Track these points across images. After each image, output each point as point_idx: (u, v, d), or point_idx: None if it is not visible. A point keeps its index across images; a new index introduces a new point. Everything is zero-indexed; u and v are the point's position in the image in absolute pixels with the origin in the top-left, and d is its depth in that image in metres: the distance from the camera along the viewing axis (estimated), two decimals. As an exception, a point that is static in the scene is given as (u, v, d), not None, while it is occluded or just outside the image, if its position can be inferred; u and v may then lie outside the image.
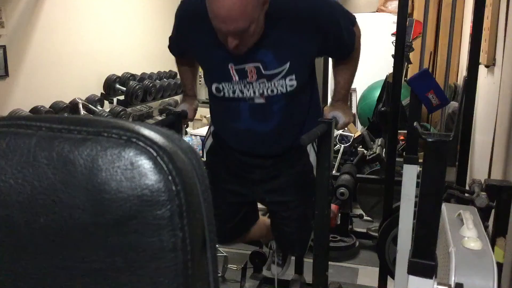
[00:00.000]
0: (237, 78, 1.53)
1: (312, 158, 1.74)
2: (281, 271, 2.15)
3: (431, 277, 1.06)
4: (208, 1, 1.34)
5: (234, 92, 1.56)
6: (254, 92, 1.54)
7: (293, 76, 1.52)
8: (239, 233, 1.93)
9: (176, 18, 1.67)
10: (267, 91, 1.53)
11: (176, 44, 1.78)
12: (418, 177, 1.46)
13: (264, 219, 2.01)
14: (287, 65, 1.50)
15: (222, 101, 1.62)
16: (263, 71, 1.50)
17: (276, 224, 1.86)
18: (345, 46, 1.63)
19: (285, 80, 1.52)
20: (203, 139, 1.99)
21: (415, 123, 1.62)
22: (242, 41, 1.39)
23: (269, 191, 1.76)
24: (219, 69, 1.55)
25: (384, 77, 3.90)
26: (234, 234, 1.91)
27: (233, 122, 1.64)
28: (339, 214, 3.00)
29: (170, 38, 1.79)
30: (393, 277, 2.07)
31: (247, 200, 1.82)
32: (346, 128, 3.56)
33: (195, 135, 4.69)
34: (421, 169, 1.15)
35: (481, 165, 2.88)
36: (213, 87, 1.59)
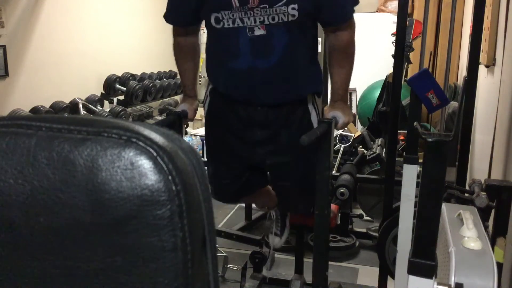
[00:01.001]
0: (237, 3, 1.49)
1: (313, 117, 1.72)
2: (279, 241, 2.15)
3: (431, 277, 1.06)
4: None
5: (234, 21, 1.52)
6: (255, 21, 1.50)
7: (296, 5, 1.48)
8: (241, 195, 1.93)
9: None
10: (268, 19, 1.50)
11: (175, 3, 1.71)
12: (418, 177, 1.47)
13: (269, 188, 1.99)
14: None
15: (221, 36, 1.58)
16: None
17: (279, 186, 1.85)
18: (340, 6, 1.61)
19: (287, 8, 1.48)
20: (203, 146, 1.99)
21: (415, 123, 1.62)
22: None
23: (269, 153, 1.73)
24: None
25: (384, 77, 3.90)
26: (236, 195, 1.90)
27: (232, 60, 1.60)
28: (339, 214, 3.00)
29: (168, 5, 1.73)
30: (393, 277, 2.08)
31: (248, 162, 1.79)
32: (346, 128, 3.57)
33: (195, 135, 4.69)
34: (421, 169, 1.15)
35: (481, 165, 2.88)
36: (212, 17, 1.55)
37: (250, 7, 1.49)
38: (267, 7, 1.48)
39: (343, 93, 1.74)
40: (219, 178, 1.85)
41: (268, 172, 1.91)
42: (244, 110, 1.70)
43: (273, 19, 1.50)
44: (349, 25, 1.67)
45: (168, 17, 1.77)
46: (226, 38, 1.57)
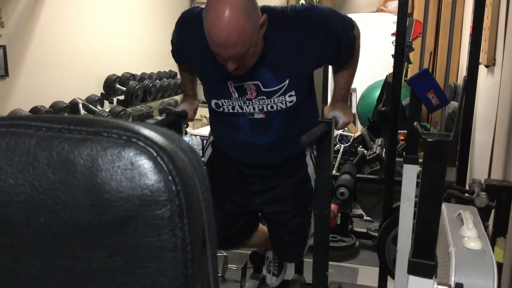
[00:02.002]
0: (236, 95, 1.55)
1: (310, 169, 1.77)
2: (276, 281, 2.19)
3: (431, 277, 1.06)
4: (206, 28, 1.34)
5: (233, 108, 1.58)
6: (254, 108, 1.56)
7: (293, 92, 1.53)
8: (238, 241, 1.96)
9: (176, 30, 1.68)
10: (266, 107, 1.55)
11: (177, 53, 1.79)
12: (418, 177, 1.46)
13: (264, 228, 2.03)
14: (287, 82, 1.51)
15: (222, 115, 1.64)
16: (262, 89, 1.52)
17: (274, 233, 1.89)
18: (345, 52, 1.62)
19: (284, 97, 1.53)
20: (203, 146, 2.01)
21: (415, 123, 1.62)
22: (241, 63, 1.40)
23: (267, 202, 1.79)
24: (218, 86, 1.56)
25: (384, 77, 3.90)
26: (233, 241, 1.94)
27: (233, 135, 1.66)
28: (339, 214, 3.00)
29: (172, 44, 1.79)
30: (393, 277, 2.08)
31: (245, 210, 1.85)
32: (346, 128, 3.57)
33: (195, 135, 4.69)
34: (421, 169, 1.15)
35: (481, 165, 2.88)
36: (213, 102, 1.61)
37: (248, 98, 1.54)
38: (265, 98, 1.53)
39: (345, 94, 1.75)
40: (216, 222, 1.86)
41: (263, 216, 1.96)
42: (244, 167, 1.76)
43: (272, 107, 1.55)
44: (355, 37, 1.64)
45: (172, 53, 1.83)
46: (226, 118, 1.64)
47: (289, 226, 1.80)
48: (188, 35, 1.59)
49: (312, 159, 1.78)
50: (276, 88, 1.51)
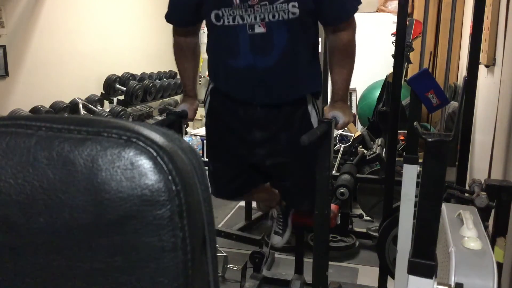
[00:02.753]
0: (238, 0, 1.49)
1: (313, 118, 1.72)
2: (280, 240, 2.15)
3: (431, 277, 1.06)
4: None
5: (234, 18, 1.52)
6: (255, 18, 1.50)
7: (296, 3, 1.48)
8: (240, 193, 1.93)
9: None
10: (268, 16, 1.50)
11: (176, 2, 1.71)
12: (418, 177, 1.46)
13: (266, 185, 2.00)
14: None
15: (221, 33, 1.58)
16: None
17: (280, 186, 1.86)
18: (340, 4, 1.60)
19: (288, 5, 1.48)
20: (203, 146, 2.00)
21: (415, 123, 1.62)
22: None
23: (269, 154, 1.73)
24: None
25: (384, 77, 3.90)
26: (237, 193, 1.91)
27: (232, 59, 1.60)
28: (339, 214, 3.00)
29: (169, 5, 1.73)
30: (393, 277, 2.08)
31: (248, 162, 1.80)
32: (346, 128, 3.57)
33: (195, 135, 4.69)
34: (421, 169, 1.15)
35: (481, 165, 2.88)
36: (213, 14, 1.55)
37: (250, 4, 1.49)
38: (268, 4, 1.48)
39: (344, 93, 1.74)
40: (219, 177, 1.86)
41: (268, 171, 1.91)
42: (244, 111, 1.71)
43: (274, 16, 1.50)
44: (350, 25, 1.66)
45: (169, 16, 1.77)
46: (226, 35, 1.57)
47: (293, 177, 1.76)
48: None
49: (315, 108, 1.73)
50: None
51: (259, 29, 1.52)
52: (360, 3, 1.64)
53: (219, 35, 1.61)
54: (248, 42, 1.55)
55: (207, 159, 1.92)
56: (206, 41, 1.77)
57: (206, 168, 1.82)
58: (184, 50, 1.84)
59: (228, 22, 1.53)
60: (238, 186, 1.86)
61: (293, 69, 1.62)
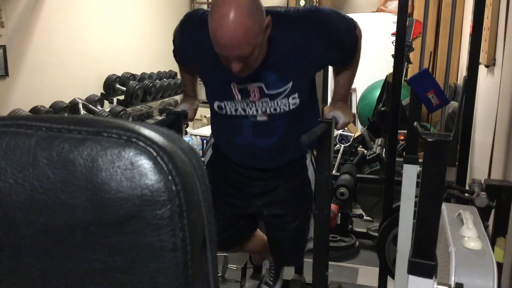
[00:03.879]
0: (239, 97, 1.54)
1: (310, 173, 1.77)
2: None
3: (431, 277, 1.06)
4: (211, 28, 1.32)
5: (236, 110, 1.57)
6: (257, 111, 1.55)
7: (296, 95, 1.53)
8: (235, 243, 1.94)
9: (179, 31, 1.67)
10: (270, 110, 1.54)
11: (178, 54, 1.78)
12: (418, 177, 1.46)
13: (262, 235, 2.02)
14: (290, 84, 1.51)
15: (224, 118, 1.63)
16: (266, 91, 1.52)
17: (272, 237, 1.88)
18: (347, 53, 1.62)
19: (288, 99, 1.53)
20: (203, 147, 2.01)
21: (415, 123, 1.62)
22: (245, 65, 1.39)
23: (267, 204, 1.78)
24: (221, 88, 1.56)
25: (384, 77, 3.90)
26: (230, 244, 1.92)
27: (234, 137, 1.65)
28: (339, 214, 3.00)
29: (174, 44, 1.78)
30: (393, 277, 2.07)
31: (244, 212, 1.84)
32: (346, 128, 3.56)
33: (195, 135, 4.69)
34: (421, 169, 1.15)
35: (481, 165, 2.88)
36: (215, 104, 1.60)
37: (251, 100, 1.53)
38: (269, 100, 1.53)
39: (345, 93, 1.74)
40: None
41: (264, 222, 1.94)
42: (244, 170, 1.75)
43: (275, 110, 1.54)
44: (357, 38, 1.64)
45: (174, 54, 1.82)
46: (229, 121, 1.63)
47: (288, 229, 1.79)
48: (191, 36, 1.59)
49: (312, 163, 1.78)
50: (279, 90, 1.52)
51: (261, 118, 1.57)
52: (354, 24, 1.62)
53: (222, 119, 1.66)
54: (250, 127, 1.59)
55: None
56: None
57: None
58: (187, 67, 1.88)
59: (231, 113, 1.58)
60: (230, 235, 1.86)
61: (293, 141, 1.58)
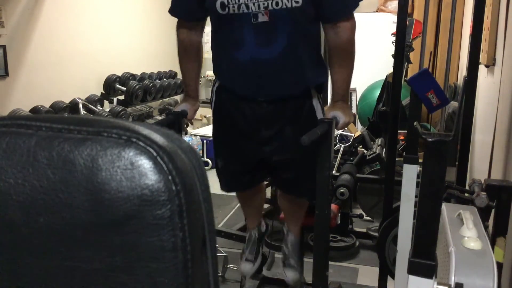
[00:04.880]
0: None
1: (319, 113, 1.73)
2: (251, 268, 2.17)
3: (431, 277, 1.06)
4: None
5: (239, 6, 1.55)
6: (259, 6, 1.53)
7: None
8: (252, 185, 1.97)
9: None
10: (271, 4, 1.53)
11: None
12: (418, 177, 1.46)
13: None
14: None
15: (226, 23, 1.61)
16: None
17: (283, 179, 1.88)
18: (340, 0, 1.63)
19: None
20: (203, 146, 2.04)
21: (415, 123, 1.62)
22: None
23: (276, 150, 1.76)
24: None
25: (384, 77, 3.90)
26: (248, 185, 1.95)
27: (236, 50, 1.62)
28: (339, 214, 3.00)
29: (175, 3, 1.75)
30: (393, 277, 2.07)
31: (256, 158, 1.82)
32: (346, 128, 3.56)
33: (195, 135, 4.69)
34: (421, 169, 1.15)
35: (481, 165, 2.88)
36: (218, 3, 1.56)
37: None
38: None
39: (344, 93, 1.74)
40: (229, 171, 1.89)
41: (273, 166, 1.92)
42: (249, 108, 1.72)
43: (277, 4, 1.52)
44: (349, 22, 1.67)
45: (173, 9, 1.77)
46: (230, 25, 1.59)
47: (298, 170, 1.79)
48: None
49: (319, 102, 1.74)
50: None
51: (263, 18, 1.54)
52: (357, 3, 1.66)
53: (224, 25, 1.62)
54: (252, 32, 1.56)
55: (215, 156, 1.94)
56: (210, 38, 1.78)
57: (207, 166, 1.83)
58: (187, 50, 1.84)
59: (234, 10, 1.55)
60: (248, 180, 1.90)
61: (296, 61, 1.63)
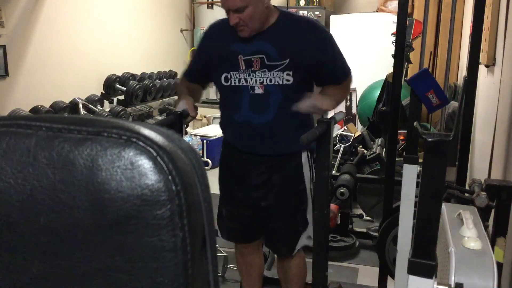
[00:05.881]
0: (244, 67, 1.81)
1: (306, 171, 1.88)
2: None
3: (431, 277, 1.06)
4: None
5: (239, 80, 1.81)
6: (256, 81, 1.80)
7: (290, 72, 1.76)
8: (252, 239, 2.07)
9: (203, 38, 1.98)
10: (266, 80, 1.78)
11: (194, 64, 2.01)
12: (418, 177, 1.46)
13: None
14: (287, 61, 1.76)
15: (229, 92, 1.86)
16: (266, 62, 1.78)
17: (268, 228, 2.00)
18: (336, 73, 1.84)
19: (283, 73, 1.77)
20: (203, 146, 2.16)
21: (415, 123, 1.63)
22: (242, 20, 1.70)
23: (263, 196, 1.91)
24: (230, 60, 1.82)
25: (384, 77, 3.90)
26: (248, 236, 2.06)
27: (235, 114, 1.86)
28: (339, 214, 3.00)
29: (187, 69, 2.03)
30: (393, 277, 2.07)
31: (249, 204, 1.96)
32: (346, 128, 3.57)
33: (195, 135, 4.69)
34: (421, 169, 1.15)
35: (481, 165, 2.88)
36: (223, 77, 1.83)
37: (253, 70, 1.80)
38: (267, 71, 1.78)
39: (331, 99, 1.85)
40: (230, 219, 2.03)
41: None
42: (246, 157, 1.92)
43: (270, 81, 1.78)
44: (349, 78, 1.86)
45: (184, 73, 2.06)
46: (232, 93, 1.85)
47: (280, 219, 1.92)
48: (216, 28, 1.93)
49: (309, 162, 1.89)
50: (277, 63, 1.77)
51: (258, 91, 1.80)
52: (350, 71, 1.87)
53: (227, 93, 1.89)
54: (249, 100, 1.82)
55: (219, 205, 2.08)
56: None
57: (207, 166, 1.89)
58: (188, 88, 2.03)
59: (235, 83, 1.82)
60: (247, 231, 2.04)
61: (286, 127, 1.83)
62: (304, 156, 1.89)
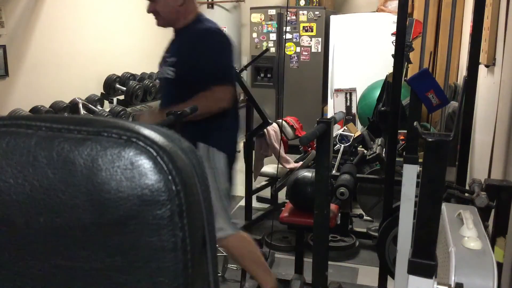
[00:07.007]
0: (162, 63, 2.17)
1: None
2: None
3: (431, 277, 1.06)
4: None
5: (159, 73, 2.20)
6: (162, 73, 2.14)
7: (173, 70, 2.05)
8: None
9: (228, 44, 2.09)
10: (162, 73, 2.13)
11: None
12: (418, 177, 1.46)
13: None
14: (174, 59, 2.07)
15: (160, 82, 2.29)
16: (166, 59, 2.12)
17: None
18: (201, 71, 1.98)
19: (168, 68, 2.07)
20: None
21: (415, 123, 1.62)
22: (153, 11, 2.04)
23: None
24: (161, 61, 2.20)
25: (384, 77, 3.90)
26: None
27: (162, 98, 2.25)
28: (339, 214, 3.00)
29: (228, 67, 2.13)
30: (393, 277, 2.08)
31: None
32: (346, 128, 3.56)
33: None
34: (421, 169, 1.15)
35: (481, 165, 2.88)
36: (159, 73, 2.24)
37: (162, 65, 2.15)
38: (164, 66, 2.13)
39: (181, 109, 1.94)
40: None
41: None
42: None
43: (162, 73, 2.14)
44: (213, 92, 1.97)
45: (231, 80, 2.18)
46: (160, 85, 2.30)
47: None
48: None
49: (209, 157, 2.02)
50: (169, 60, 2.08)
51: (161, 80, 2.19)
52: (224, 78, 1.99)
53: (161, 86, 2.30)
54: (161, 89, 2.27)
55: None
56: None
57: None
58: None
59: (158, 75, 2.34)
60: None
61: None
62: (204, 150, 2.01)
